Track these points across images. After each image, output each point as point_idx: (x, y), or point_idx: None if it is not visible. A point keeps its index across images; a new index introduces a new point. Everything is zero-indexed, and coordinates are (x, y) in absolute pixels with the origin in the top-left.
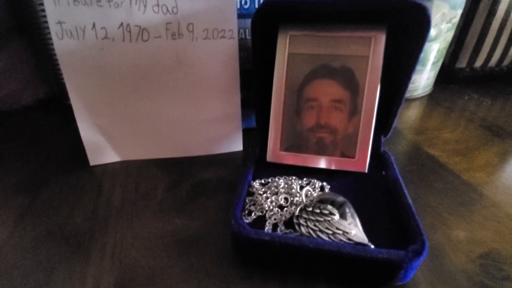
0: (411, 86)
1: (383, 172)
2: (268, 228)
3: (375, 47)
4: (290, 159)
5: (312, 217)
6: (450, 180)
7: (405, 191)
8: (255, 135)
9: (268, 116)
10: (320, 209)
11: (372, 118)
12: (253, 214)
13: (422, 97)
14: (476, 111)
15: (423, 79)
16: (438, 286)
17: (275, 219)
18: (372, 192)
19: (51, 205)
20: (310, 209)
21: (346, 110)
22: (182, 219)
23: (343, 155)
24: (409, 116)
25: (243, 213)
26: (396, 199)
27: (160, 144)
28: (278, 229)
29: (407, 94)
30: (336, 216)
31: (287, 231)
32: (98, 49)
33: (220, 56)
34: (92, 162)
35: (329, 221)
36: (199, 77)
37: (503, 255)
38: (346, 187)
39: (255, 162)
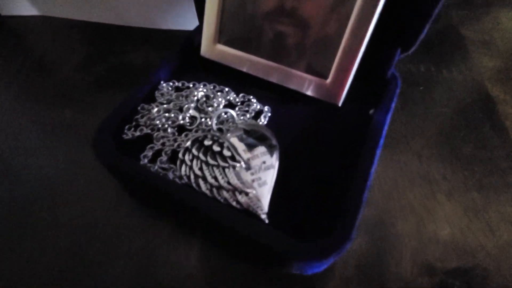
0: None
1: (370, 112)
2: (145, 153)
3: None
4: (229, 58)
5: (202, 157)
6: (492, 144)
7: (377, 151)
8: None
9: None
10: (221, 147)
11: (376, 10)
12: (138, 131)
13: None
14: None
15: None
16: None
17: (163, 144)
18: (334, 140)
19: None
20: (209, 143)
21: None
22: (76, 112)
23: (309, 69)
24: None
25: (129, 125)
26: (360, 161)
27: (86, 2)
28: (158, 160)
29: None
30: (240, 165)
31: (166, 165)
32: None
33: None
34: (3, 11)
35: (224, 168)
36: None
37: (490, 278)
38: (298, 122)
39: (184, 53)
